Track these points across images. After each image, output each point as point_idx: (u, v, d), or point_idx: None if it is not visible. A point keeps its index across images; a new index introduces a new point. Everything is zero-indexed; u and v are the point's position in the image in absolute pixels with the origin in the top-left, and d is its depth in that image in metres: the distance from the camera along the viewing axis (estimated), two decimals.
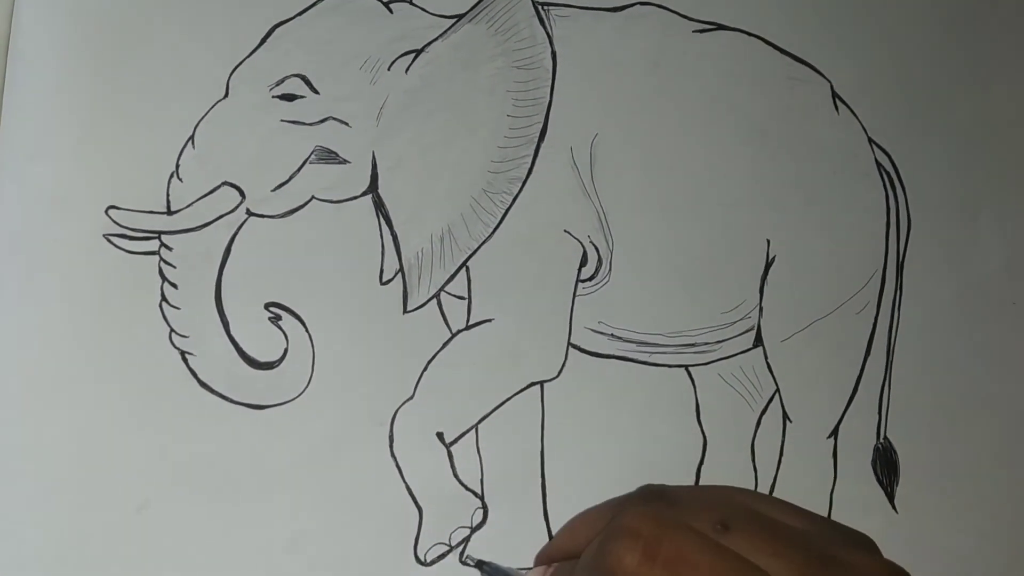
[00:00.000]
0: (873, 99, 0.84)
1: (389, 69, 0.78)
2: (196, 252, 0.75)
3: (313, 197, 0.77)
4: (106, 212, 0.74)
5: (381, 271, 0.77)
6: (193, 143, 0.76)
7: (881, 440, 0.82)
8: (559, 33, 0.80)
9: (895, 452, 0.82)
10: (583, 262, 0.79)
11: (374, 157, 0.78)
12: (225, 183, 0.76)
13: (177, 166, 0.76)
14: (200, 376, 0.74)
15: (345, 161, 0.77)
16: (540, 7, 0.80)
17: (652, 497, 0.40)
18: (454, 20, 0.79)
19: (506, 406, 0.78)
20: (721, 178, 0.81)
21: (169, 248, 0.75)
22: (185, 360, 0.74)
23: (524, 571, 0.43)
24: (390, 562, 0.75)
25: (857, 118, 0.84)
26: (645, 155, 0.80)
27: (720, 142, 0.81)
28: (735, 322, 0.81)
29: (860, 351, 0.82)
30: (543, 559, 0.42)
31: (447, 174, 0.78)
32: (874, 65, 0.85)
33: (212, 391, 0.74)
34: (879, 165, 0.83)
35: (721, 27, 0.83)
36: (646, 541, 0.35)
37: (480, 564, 0.47)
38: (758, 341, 0.81)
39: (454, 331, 0.78)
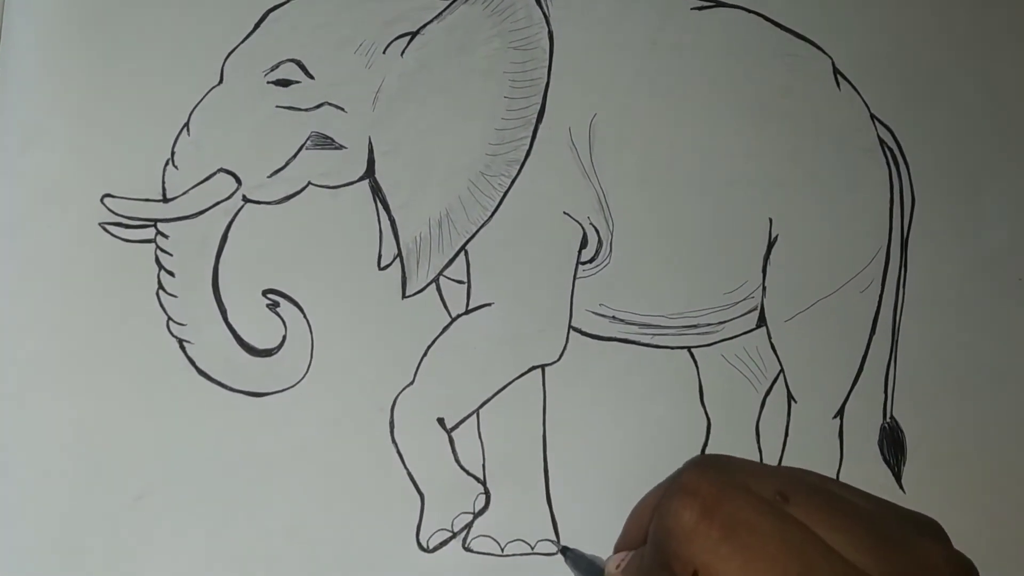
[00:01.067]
0: (875, 75, 0.83)
1: (384, 53, 0.78)
2: (192, 239, 0.75)
3: (309, 183, 0.76)
4: (101, 200, 0.74)
5: (379, 256, 0.77)
6: (188, 130, 0.76)
7: (887, 419, 0.81)
8: (556, 13, 0.79)
9: (902, 431, 0.81)
10: (583, 244, 0.78)
11: (370, 142, 0.77)
12: (221, 170, 0.76)
13: (172, 153, 0.75)
14: (198, 364, 0.74)
15: (341, 146, 0.77)
16: None
17: (708, 462, 0.39)
18: (449, 1, 0.79)
19: (507, 390, 0.77)
20: (722, 157, 0.80)
21: (165, 236, 0.75)
22: (183, 348, 0.74)
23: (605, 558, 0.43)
24: (392, 549, 0.74)
25: (859, 94, 0.83)
26: (644, 134, 0.79)
27: (720, 120, 0.81)
28: (738, 302, 0.80)
29: (865, 330, 0.81)
30: (620, 548, 0.41)
31: (444, 158, 0.77)
32: (875, 40, 0.84)
33: (210, 379, 0.74)
34: (882, 141, 0.82)
35: (720, 4, 0.82)
36: (704, 499, 0.35)
37: (564, 550, 0.46)
38: (761, 321, 0.81)
39: (454, 316, 0.77)
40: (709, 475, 0.36)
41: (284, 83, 0.77)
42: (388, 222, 0.77)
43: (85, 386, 0.73)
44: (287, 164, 0.76)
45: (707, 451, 0.79)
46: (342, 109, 0.77)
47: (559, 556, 0.77)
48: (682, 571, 0.34)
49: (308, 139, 0.76)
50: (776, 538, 0.34)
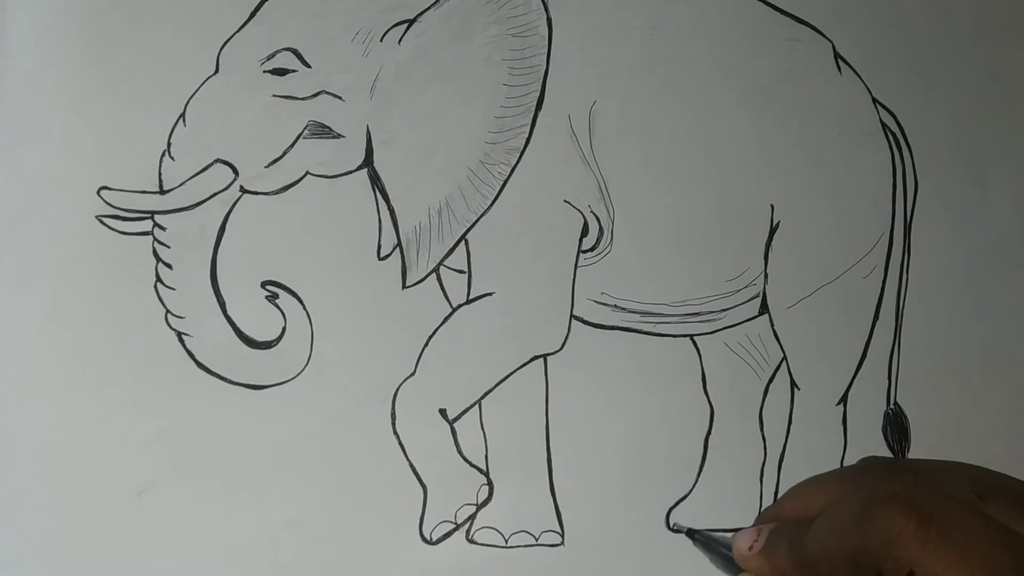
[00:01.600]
0: (876, 58, 0.82)
1: (382, 40, 0.77)
2: (190, 231, 0.74)
3: (307, 173, 0.76)
4: (98, 193, 0.73)
5: (379, 246, 0.76)
6: (184, 120, 0.75)
7: (891, 406, 0.81)
8: None
9: (906, 418, 0.81)
10: (584, 232, 0.78)
11: (368, 131, 0.76)
12: (218, 160, 0.75)
13: (169, 144, 0.75)
14: (197, 357, 0.73)
15: (339, 135, 0.76)
16: None
17: (899, 468, 0.44)
18: None
19: (509, 381, 0.77)
20: (723, 143, 0.80)
21: (163, 228, 0.74)
22: (182, 341, 0.73)
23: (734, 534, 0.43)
24: (395, 541, 0.74)
25: (860, 78, 0.82)
26: (645, 121, 0.79)
27: (721, 106, 0.80)
28: (740, 289, 0.80)
29: (868, 316, 0.81)
30: (767, 520, 0.43)
31: (443, 146, 0.77)
32: (876, 23, 0.83)
33: (210, 372, 0.74)
34: (884, 126, 0.82)
35: None
36: (920, 507, 0.37)
37: (691, 532, 0.46)
38: (764, 308, 0.80)
39: (454, 306, 0.77)
40: (918, 482, 0.40)
41: (281, 72, 0.76)
42: (387, 212, 0.76)
43: (84, 380, 0.72)
44: (284, 154, 0.75)
45: (711, 439, 0.78)
46: (339, 98, 0.76)
47: (563, 547, 0.77)
48: (895, 570, 0.37)
49: (305, 128, 0.76)
50: (987, 538, 0.37)
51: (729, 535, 0.45)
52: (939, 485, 0.40)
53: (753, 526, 0.44)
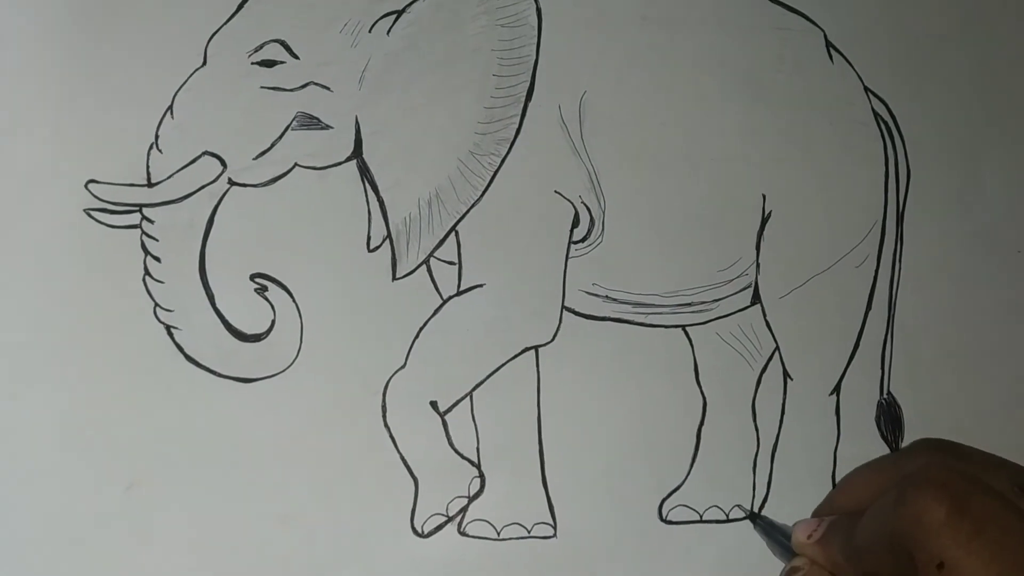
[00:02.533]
0: (868, 47, 0.82)
1: (370, 31, 0.77)
2: (178, 224, 0.74)
3: (296, 164, 0.75)
4: (86, 186, 0.73)
5: (368, 238, 0.76)
6: (172, 113, 0.74)
7: (884, 395, 0.81)
8: None
9: (899, 407, 0.81)
10: (575, 223, 0.77)
11: (357, 122, 0.76)
12: (206, 153, 0.74)
13: (156, 137, 0.74)
14: (186, 350, 0.73)
15: (328, 127, 0.76)
16: None
17: (947, 450, 0.41)
18: None
19: (501, 372, 0.76)
20: (714, 133, 0.79)
21: (151, 221, 0.74)
22: (171, 334, 0.73)
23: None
24: (386, 534, 0.74)
25: (852, 67, 0.82)
26: (635, 111, 0.78)
27: (712, 96, 0.80)
28: (732, 280, 0.79)
29: (861, 305, 0.81)
30: (823, 513, 0.43)
31: (433, 137, 0.76)
32: (868, 11, 0.83)
33: (199, 365, 0.73)
34: (876, 114, 0.82)
35: None
36: (954, 495, 0.35)
37: (754, 517, 0.47)
38: (756, 298, 0.80)
39: (445, 297, 0.76)
40: (955, 468, 0.38)
41: (268, 64, 0.75)
42: (377, 203, 0.76)
43: (72, 375, 0.72)
44: (273, 145, 0.75)
45: (703, 430, 0.78)
46: (328, 89, 0.76)
47: (555, 539, 0.76)
48: (926, 561, 0.35)
49: (294, 119, 0.75)
50: (1022, 534, 0.35)
51: (789, 524, 0.45)
52: (978, 474, 0.38)
53: (813, 517, 0.44)
